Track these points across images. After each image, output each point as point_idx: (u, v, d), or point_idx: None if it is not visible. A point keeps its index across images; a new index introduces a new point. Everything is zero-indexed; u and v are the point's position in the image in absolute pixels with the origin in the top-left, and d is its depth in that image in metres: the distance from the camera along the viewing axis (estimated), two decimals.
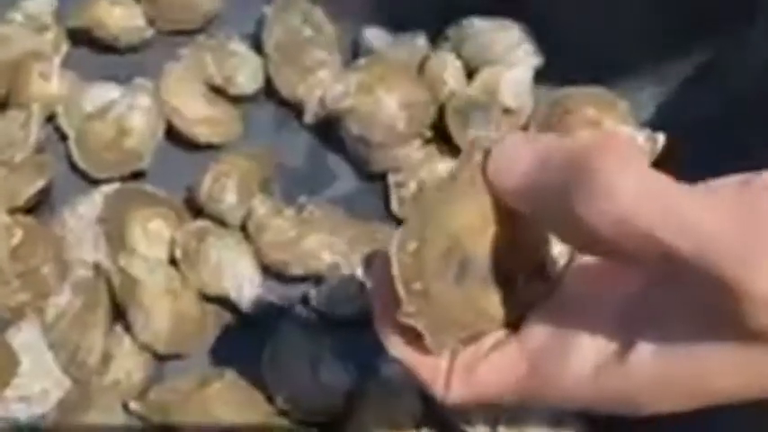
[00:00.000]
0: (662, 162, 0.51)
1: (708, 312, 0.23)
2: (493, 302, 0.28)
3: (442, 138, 0.54)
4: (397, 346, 0.28)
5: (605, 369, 0.25)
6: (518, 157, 0.25)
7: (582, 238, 0.24)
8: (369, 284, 0.33)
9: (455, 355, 0.29)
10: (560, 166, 0.24)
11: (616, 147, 0.23)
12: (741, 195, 0.22)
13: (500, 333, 0.29)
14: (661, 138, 0.51)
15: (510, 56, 0.55)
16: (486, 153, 0.27)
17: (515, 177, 0.25)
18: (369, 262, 0.32)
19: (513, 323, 0.29)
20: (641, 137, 0.52)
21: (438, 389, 0.29)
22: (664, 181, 0.22)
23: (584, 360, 0.26)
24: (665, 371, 0.24)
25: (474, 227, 0.27)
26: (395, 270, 0.26)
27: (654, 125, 0.52)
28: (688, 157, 0.48)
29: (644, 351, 0.24)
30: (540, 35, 0.55)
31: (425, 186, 0.28)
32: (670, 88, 0.53)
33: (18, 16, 0.56)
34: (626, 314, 0.26)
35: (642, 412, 0.26)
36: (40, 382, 0.46)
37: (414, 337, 0.28)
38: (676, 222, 0.22)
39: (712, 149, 0.47)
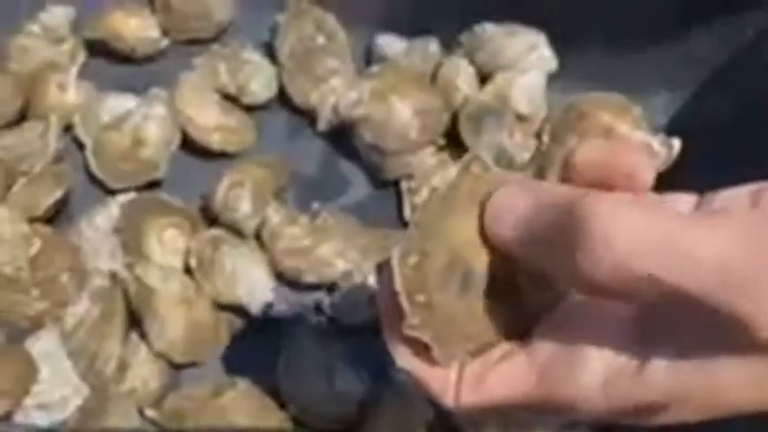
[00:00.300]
0: (675, 167, 0.50)
1: (719, 332, 0.23)
2: (497, 314, 0.28)
3: (455, 144, 0.54)
4: (404, 358, 0.28)
5: (616, 381, 0.25)
6: (513, 205, 0.26)
7: (581, 283, 0.24)
8: (357, 273, 0.33)
9: (464, 367, 0.29)
10: (555, 214, 0.24)
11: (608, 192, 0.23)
12: (749, 220, 0.22)
13: (508, 344, 0.29)
14: (676, 143, 0.51)
15: (523, 61, 0.55)
16: (484, 167, 0.27)
17: (511, 226, 0.26)
18: (381, 271, 0.32)
19: (521, 334, 0.29)
20: (656, 142, 0.52)
21: (448, 400, 0.29)
22: (661, 217, 0.22)
23: (593, 372, 0.26)
24: (679, 385, 0.24)
25: (474, 240, 0.27)
26: (397, 283, 0.26)
27: (667, 129, 0.52)
28: (701, 161, 0.48)
29: (658, 365, 0.24)
30: (553, 40, 0.55)
31: (425, 199, 0.27)
32: (684, 92, 0.53)
33: (36, 28, 0.57)
34: (636, 327, 0.26)
35: (654, 423, 0.26)
36: (59, 389, 0.47)
37: (422, 349, 0.28)
38: (678, 262, 0.21)
39: (726, 153, 0.47)
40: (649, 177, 0.28)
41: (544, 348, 0.27)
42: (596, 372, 0.25)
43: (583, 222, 0.22)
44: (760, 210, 0.22)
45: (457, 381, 0.28)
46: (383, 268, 0.31)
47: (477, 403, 0.28)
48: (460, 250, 0.27)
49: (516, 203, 0.25)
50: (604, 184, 0.29)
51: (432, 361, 0.28)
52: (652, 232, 0.22)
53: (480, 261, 0.27)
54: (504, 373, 0.28)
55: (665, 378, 0.24)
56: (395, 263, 0.26)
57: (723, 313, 0.21)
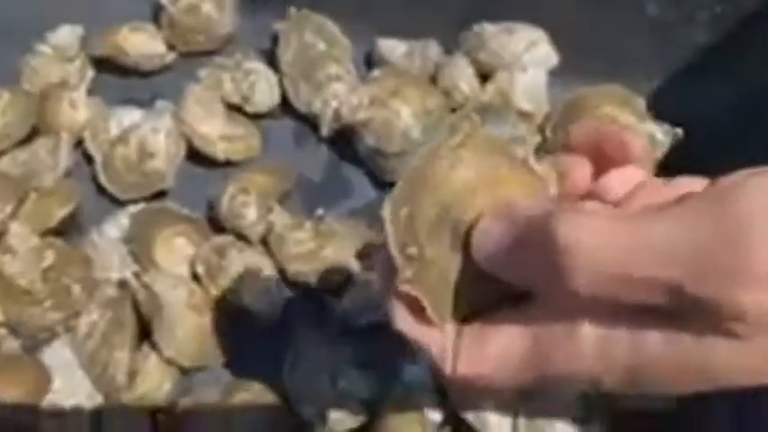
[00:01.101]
0: (678, 155, 0.50)
1: (704, 317, 0.23)
2: (492, 277, 0.28)
3: None
4: (401, 318, 0.28)
5: (610, 346, 0.25)
6: (494, 233, 0.27)
7: (567, 295, 0.24)
8: (364, 276, 0.33)
9: (461, 333, 0.29)
10: (530, 236, 0.25)
11: (568, 207, 0.24)
12: (701, 205, 0.22)
13: (505, 309, 0.29)
14: (680, 132, 0.51)
15: (523, 59, 0.55)
16: (473, 125, 0.27)
17: (494, 254, 0.27)
18: (362, 255, 0.33)
19: (519, 299, 0.29)
20: (659, 131, 0.51)
21: (445, 366, 0.28)
22: (623, 221, 0.23)
23: (589, 340, 0.26)
24: (674, 356, 0.24)
25: (462, 193, 0.27)
26: (389, 235, 0.26)
27: (670, 118, 0.51)
28: (705, 149, 0.48)
29: (654, 337, 0.24)
30: (553, 36, 0.55)
31: (416, 154, 0.28)
32: (685, 80, 0.52)
33: (46, 48, 0.59)
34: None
35: (647, 392, 0.26)
36: (72, 397, 0.48)
37: (417, 309, 0.28)
38: (645, 259, 0.22)
39: (730, 139, 0.46)
40: (638, 148, 0.29)
41: (541, 313, 0.27)
42: (590, 335, 0.26)
43: (553, 241, 0.23)
44: (713, 192, 0.22)
45: (454, 347, 0.28)
46: (364, 251, 0.31)
47: (474, 369, 0.28)
48: (449, 203, 0.27)
49: (496, 231, 0.26)
50: (599, 156, 0.29)
51: (428, 321, 0.28)
52: (615, 237, 0.23)
53: (469, 213, 0.27)
54: (501, 338, 0.28)
55: (663, 349, 0.24)
56: (386, 215, 0.26)
57: (701, 299, 0.22)
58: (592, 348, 0.25)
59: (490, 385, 0.29)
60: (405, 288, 0.27)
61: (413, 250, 0.26)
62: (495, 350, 0.27)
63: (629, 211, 0.24)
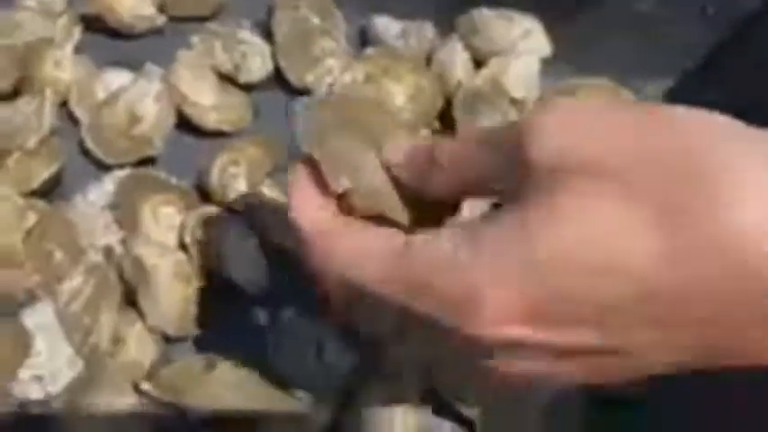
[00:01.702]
0: None
1: None
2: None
3: (449, 127, 0.55)
4: (297, 186, 0.31)
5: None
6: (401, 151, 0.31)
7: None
8: None
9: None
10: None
11: None
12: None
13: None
14: None
15: (518, 46, 0.56)
16: None
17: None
18: None
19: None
20: None
21: (313, 248, 0.30)
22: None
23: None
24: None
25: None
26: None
27: None
28: None
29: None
30: (546, 26, 0.55)
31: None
32: (674, 79, 0.54)
33: (31, 2, 0.57)
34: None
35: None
36: (53, 362, 0.47)
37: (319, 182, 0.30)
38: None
39: None
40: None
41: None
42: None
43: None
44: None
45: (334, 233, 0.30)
46: None
47: (327, 259, 0.30)
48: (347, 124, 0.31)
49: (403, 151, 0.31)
50: None
51: (327, 191, 0.30)
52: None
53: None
54: (377, 229, 0.29)
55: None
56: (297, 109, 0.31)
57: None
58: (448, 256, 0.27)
59: (345, 285, 0.30)
60: (305, 150, 0.30)
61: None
62: (367, 233, 0.29)
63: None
